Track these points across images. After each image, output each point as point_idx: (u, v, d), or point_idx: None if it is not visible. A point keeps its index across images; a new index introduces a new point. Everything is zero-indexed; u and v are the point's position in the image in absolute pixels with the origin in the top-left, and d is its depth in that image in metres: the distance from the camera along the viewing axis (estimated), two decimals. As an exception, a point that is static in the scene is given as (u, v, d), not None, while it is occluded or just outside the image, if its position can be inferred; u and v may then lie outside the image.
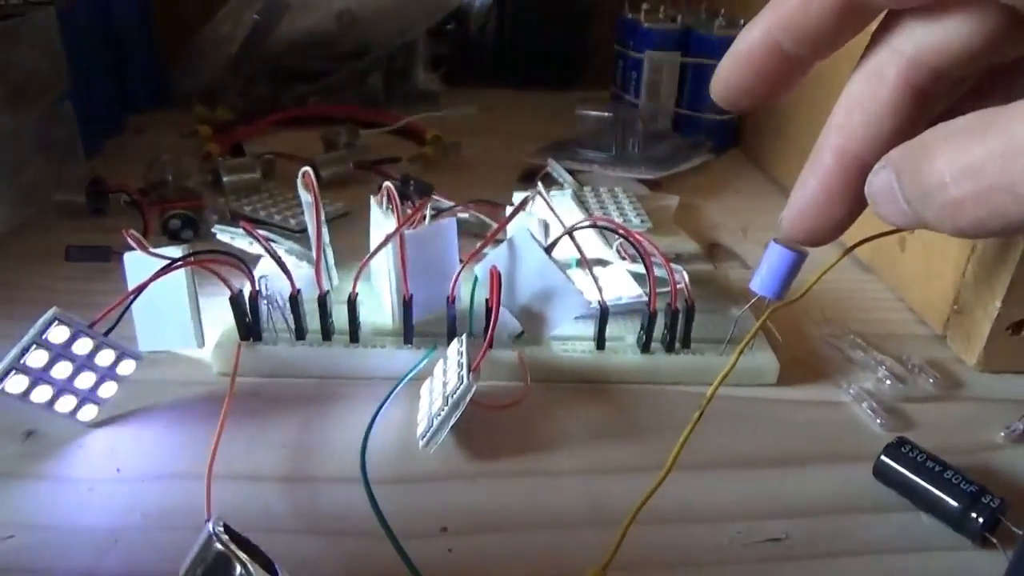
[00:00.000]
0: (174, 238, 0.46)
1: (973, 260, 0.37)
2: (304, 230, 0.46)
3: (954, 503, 0.27)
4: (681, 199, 0.55)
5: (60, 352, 0.28)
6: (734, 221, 0.53)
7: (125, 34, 0.66)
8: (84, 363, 0.29)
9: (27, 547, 0.25)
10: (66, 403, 0.29)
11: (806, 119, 0.55)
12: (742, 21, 0.65)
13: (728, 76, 0.22)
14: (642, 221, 0.48)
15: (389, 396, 0.32)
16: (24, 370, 0.28)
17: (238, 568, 0.21)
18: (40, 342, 0.28)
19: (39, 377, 0.28)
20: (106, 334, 0.30)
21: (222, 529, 0.22)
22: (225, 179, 0.51)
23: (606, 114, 0.64)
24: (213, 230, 0.37)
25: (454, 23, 0.83)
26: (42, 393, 0.28)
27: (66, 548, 0.25)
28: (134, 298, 0.30)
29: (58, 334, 0.28)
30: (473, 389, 0.29)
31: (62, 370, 0.29)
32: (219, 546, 0.22)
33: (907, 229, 0.18)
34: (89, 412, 0.30)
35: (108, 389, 0.30)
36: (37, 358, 0.28)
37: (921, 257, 0.42)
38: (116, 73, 0.65)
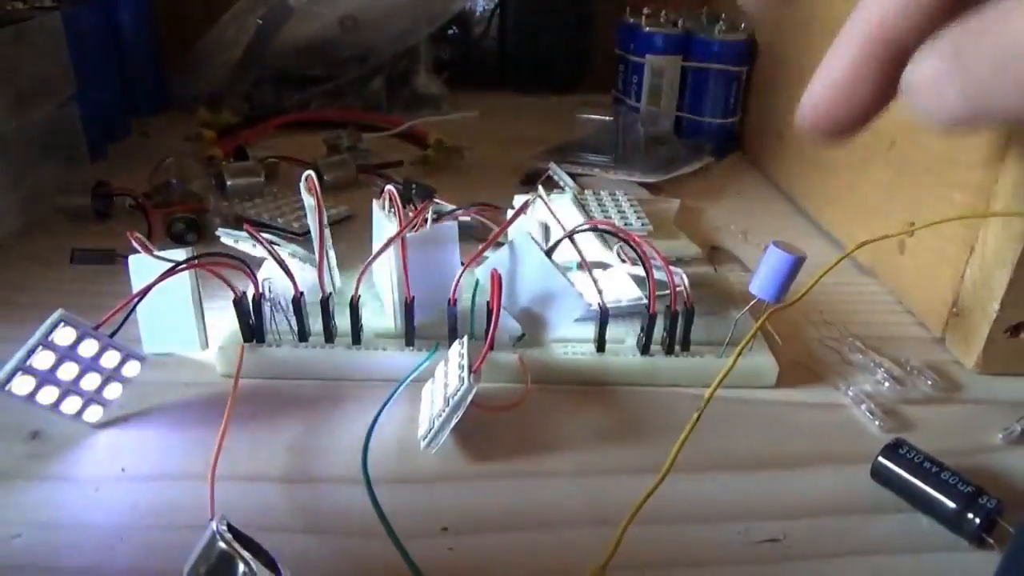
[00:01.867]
0: (178, 241, 0.46)
1: (972, 263, 0.37)
2: (307, 233, 0.46)
3: (951, 504, 0.27)
4: (682, 202, 0.55)
5: (66, 354, 0.29)
6: (735, 224, 0.54)
7: (130, 38, 0.67)
8: (90, 364, 0.29)
9: (35, 545, 0.25)
10: (72, 404, 0.30)
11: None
12: (743, 25, 0.65)
13: (833, 96, 0.18)
14: (643, 224, 0.48)
15: (391, 397, 0.32)
16: (30, 371, 0.28)
17: (241, 566, 0.22)
18: (46, 344, 0.28)
19: (45, 378, 0.28)
20: (111, 336, 0.30)
21: (225, 528, 0.22)
22: (229, 182, 0.52)
23: (607, 118, 0.64)
24: (217, 233, 0.37)
25: (456, 27, 0.84)
26: (48, 394, 0.29)
27: (73, 547, 0.25)
28: (139, 300, 0.30)
29: (64, 336, 0.28)
30: (474, 390, 0.29)
31: (68, 371, 0.29)
32: (222, 544, 0.22)
33: (951, 125, 0.16)
34: (95, 413, 0.30)
35: (113, 390, 0.31)
36: (43, 359, 0.28)
37: (920, 260, 0.42)
38: (120, 77, 0.66)
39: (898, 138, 0.44)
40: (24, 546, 0.25)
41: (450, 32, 0.83)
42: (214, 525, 0.22)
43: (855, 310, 0.43)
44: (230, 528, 0.22)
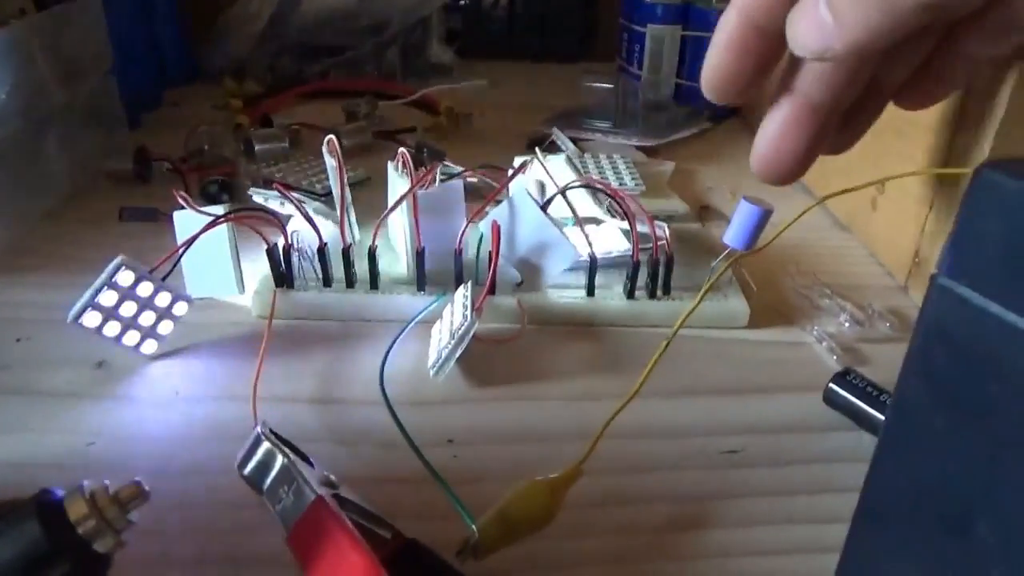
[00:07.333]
0: (212, 201, 0.50)
1: (930, 218, 0.41)
2: (328, 194, 0.51)
3: (888, 422, 0.31)
4: (678, 164, 0.59)
5: (127, 293, 0.33)
6: (727, 184, 0.57)
7: (160, 12, 0.71)
8: (146, 303, 0.34)
9: (107, 452, 0.30)
10: (132, 337, 0.34)
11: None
12: (740, -5, 0.68)
13: (716, 65, 0.24)
14: (636, 184, 0.52)
15: (403, 330, 0.37)
16: (98, 307, 0.33)
17: (280, 458, 0.26)
18: (111, 284, 0.33)
19: (109, 314, 0.33)
20: (163, 280, 0.35)
21: (268, 430, 0.27)
22: (257, 148, 0.56)
23: (609, 85, 0.67)
24: (249, 192, 0.42)
25: (467, -2, 0.87)
26: (112, 328, 0.34)
27: (139, 454, 0.30)
28: (186, 248, 0.35)
29: (125, 277, 0.33)
30: (475, 326, 0.34)
31: (128, 309, 0.34)
32: (266, 443, 0.27)
33: (820, 53, 0.21)
34: (150, 346, 0.35)
35: (166, 327, 0.35)
36: (108, 297, 0.33)
37: (889, 215, 0.46)
38: (152, 50, 0.70)
39: (873, 102, 0.48)
40: (98, 452, 0.30)
41: (461, 2, 0.87)
42: (259, 428, 0.27)
43: (831, 262, 0.47)
44: (272, 431, 0.27)
